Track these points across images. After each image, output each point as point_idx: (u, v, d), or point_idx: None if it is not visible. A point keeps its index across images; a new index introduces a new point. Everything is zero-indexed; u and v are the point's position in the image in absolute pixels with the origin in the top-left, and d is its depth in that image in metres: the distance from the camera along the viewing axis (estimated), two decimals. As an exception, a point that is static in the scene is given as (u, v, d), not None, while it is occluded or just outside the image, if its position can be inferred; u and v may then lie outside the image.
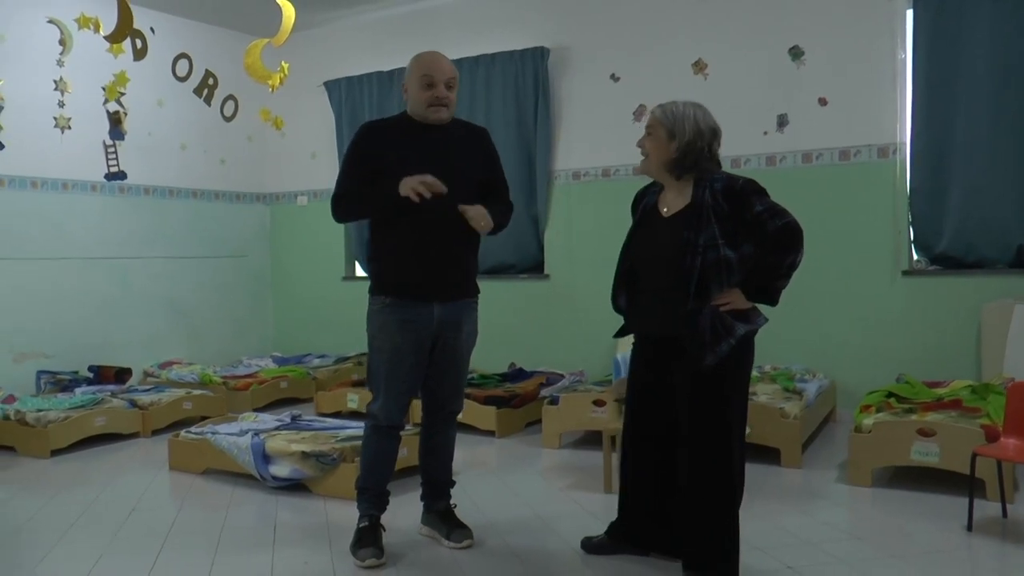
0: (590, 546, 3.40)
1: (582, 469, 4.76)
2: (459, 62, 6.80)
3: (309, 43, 7.63)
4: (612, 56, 6.45)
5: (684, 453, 3.04)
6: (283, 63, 5.40)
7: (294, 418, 5.13)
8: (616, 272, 3.26)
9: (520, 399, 5.75)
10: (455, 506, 3.67)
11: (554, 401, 5.31)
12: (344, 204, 3.45)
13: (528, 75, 6.65)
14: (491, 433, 5.55)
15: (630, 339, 3.33)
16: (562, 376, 6.27)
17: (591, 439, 5.31)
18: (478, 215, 3.32)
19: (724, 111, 6.10)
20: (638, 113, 6.31)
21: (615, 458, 4.03)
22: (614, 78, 6.43)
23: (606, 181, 6.42)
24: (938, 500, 4.01)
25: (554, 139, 6.68)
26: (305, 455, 4.32)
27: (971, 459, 3.62)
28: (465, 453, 4.86)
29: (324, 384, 6.79)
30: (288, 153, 8.10)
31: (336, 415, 6.01)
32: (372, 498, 3.47)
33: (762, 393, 4.98)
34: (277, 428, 4.88)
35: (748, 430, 3.23)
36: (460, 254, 3.42)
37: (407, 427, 3.74)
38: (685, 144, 3.03)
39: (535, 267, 6.88)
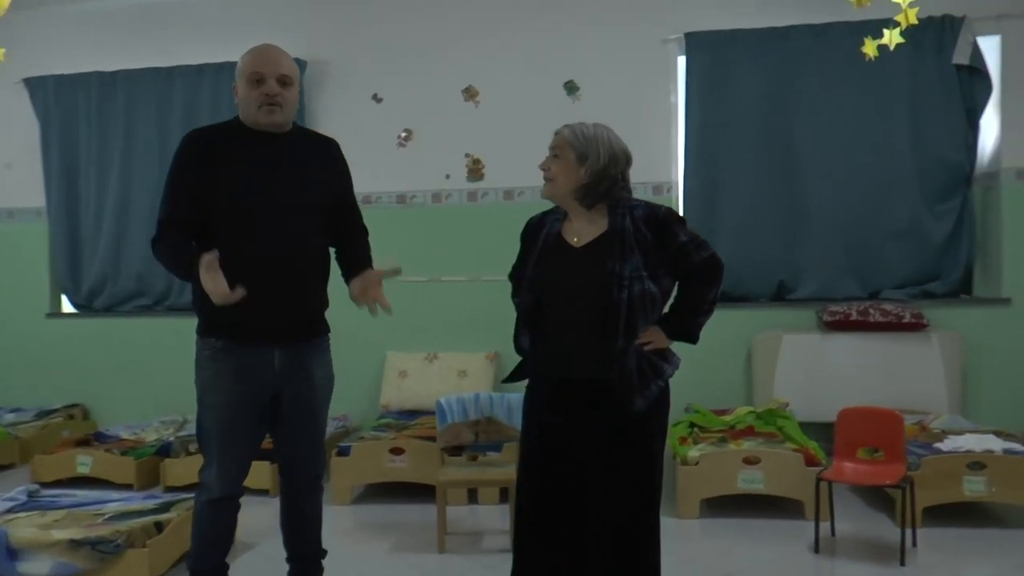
0: None
1: (398, 527, 4.30)
2: (199, 68, 6.03)
3: (4, 30, 6.28)
4: (375, 75, 6.04)
5: (603, 504, 2.76)
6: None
7: (31, 495, 4.07)
8: (519, 309, 2.93)
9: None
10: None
11: (344, 451, 4.77)
12: (159, 249, 2.86)
13: None
14: (264, 492, 4.81)
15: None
16: (325, 421, 5.70)
17: (384, 491, 4.84)
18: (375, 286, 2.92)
19: (497, 141, 6.16)
20: (403, 138, 5.98)
21: (508, 513, 3.65)
22: (377, 99, 6.03)
23: (368, 208, 5.96)
24: (768, 525, 4.16)
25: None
26: (75, 544, 3.40)
27: (816, 484, 3.78)
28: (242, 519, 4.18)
29: (33, 445, 5.52)
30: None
31: (58, 484, 4.90)
32: None
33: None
34: (11, 510, 3.84)
35: None
36: (304, 288, 2.91)
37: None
38: (600, 170, 2.77)
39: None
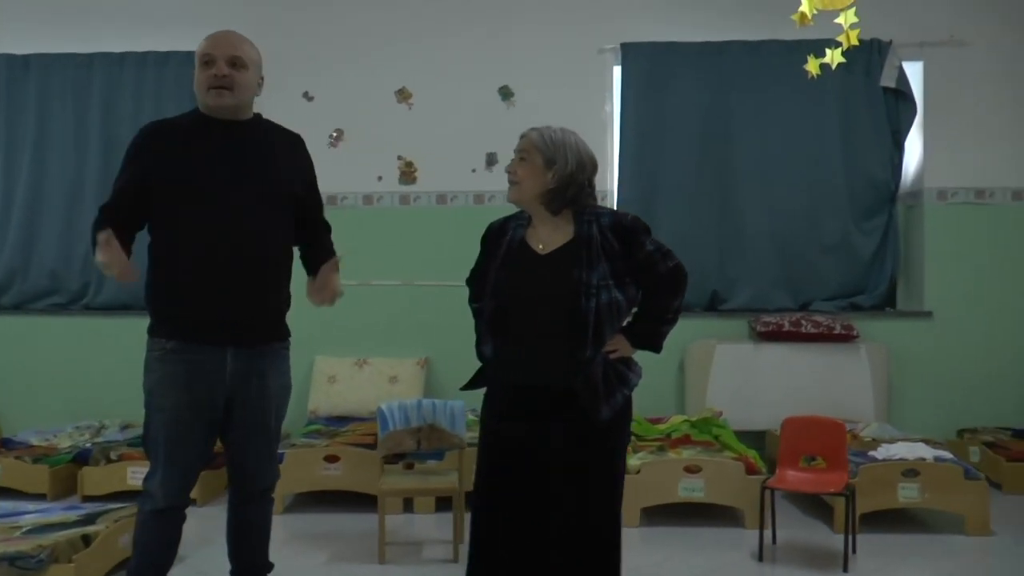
0: None
1: (334, 537, 4.16)
2: (120, 56, 5.75)
3: None
4: (307, 73, 5.85)
5: (567, 514, 2.71)
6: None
7: (-65, 506, 3.78)
8: (479, 316, 2.86)
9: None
10: None
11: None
12: (93, 230, 2.70)
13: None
14: (191, 501, 4.59)
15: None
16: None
17: (315, 499, 4.68)
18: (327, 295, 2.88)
19: (430, 145, 6.06)
20: (335, 138, 5.82)
21: (447, 522, 3.55)
22: (308, 97, 5.85)
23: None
24: (708, 533, 4.19)
25: (239, 157, 5.88)
26: (-8, 559, 3.16)
27: (761, 492, 3.82)
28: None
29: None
30: None
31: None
32: None
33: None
34: (-88, 523, 3.55)
35: None
36: (264, 284, 2.78)
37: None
38: (567, 175, 2.73)
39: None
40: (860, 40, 5.08)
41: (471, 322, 5.67)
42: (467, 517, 3.73)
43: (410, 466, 4.35)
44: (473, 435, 4.59)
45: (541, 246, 2.75)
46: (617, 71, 5.74)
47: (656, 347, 2.83)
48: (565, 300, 2.63)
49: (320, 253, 2.92)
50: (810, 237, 5.55)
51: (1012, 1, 5.48)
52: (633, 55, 5.63)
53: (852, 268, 5.59)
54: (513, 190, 2.78)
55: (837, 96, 5.46)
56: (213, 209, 2.64)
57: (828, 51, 4.14)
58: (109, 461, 4.67)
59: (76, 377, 5.69)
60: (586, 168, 2.77)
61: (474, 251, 6.10)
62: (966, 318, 5.44)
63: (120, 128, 5.66)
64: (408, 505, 4.55)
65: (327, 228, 3.01)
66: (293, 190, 2.84)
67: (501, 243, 2.84)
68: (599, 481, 2.70)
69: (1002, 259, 5.46)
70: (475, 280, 2.97)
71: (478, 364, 5.97)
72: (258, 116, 2.87)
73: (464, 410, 4.01)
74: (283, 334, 2.88)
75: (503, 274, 2.76)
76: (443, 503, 4.46)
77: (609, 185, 5.76)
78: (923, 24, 5.45)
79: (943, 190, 5.52)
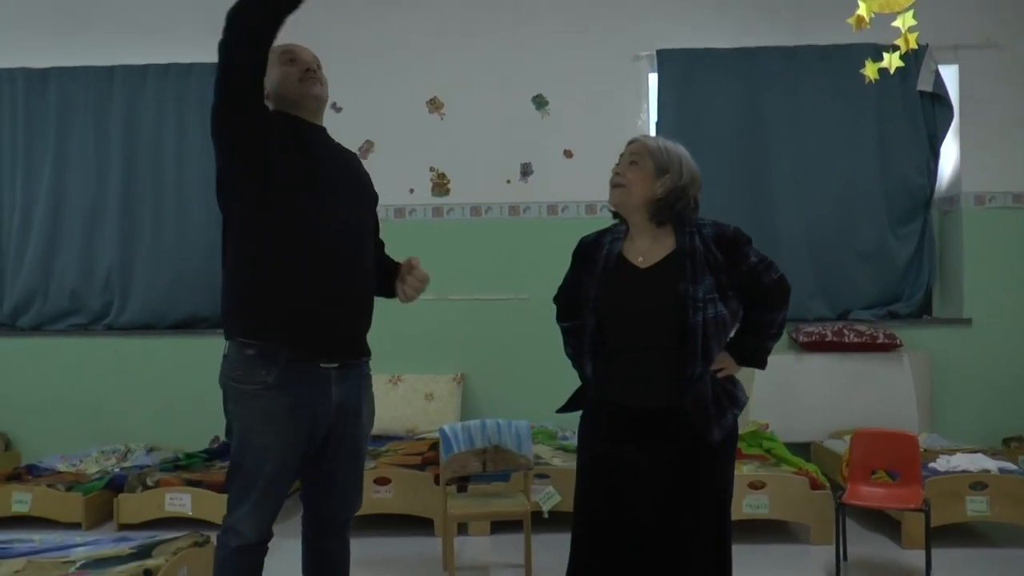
0: None
1: (394, 562, 4.03)
2: (143, 69, 5.59)
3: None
4: (335, 83, 5.53)
5: (670, 542, 2.60)
6: None
7: (-19, 540, 3.60)
8: (578, 332, 2.73)
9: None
10: None
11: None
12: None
13: (195, 96, 5.60)
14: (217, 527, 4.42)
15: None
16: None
17: (364, 523, 4.52)
18: (423, 283, 2.71)
19: (463, 155, 5.94)
20: (364, 150, 5.69)
21: (507, 544, 3.42)
22: (336, 108, 5.69)
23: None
24: (775, 551, 4.10)
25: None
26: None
27: (836, 509, 3.74)
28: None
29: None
30: None
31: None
32: None
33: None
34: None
35: None
36: (369, 292, 2.64)
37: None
38: (680, 187, 2.65)
39: (237, 320, 5.82)
40: (892, 45, 5.07)
41: (507, 337, 5.68)
42: (534, 539, 3.69)
43: (463, 488, 4.24)
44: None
45: (641, 259, 2.65)
46: (652, 78, 5.66)
47: (761, 363, 2.74)
48: (671, 315, 2.53)
49: (386, 262, 2.80)
50: (846, 244, 5.50)
51: (1049, 3, 5.48)
52: (669, 62, 5.56)
53: (888, 275, 5.54)
54: (618, 193, 2.68)
55: (872, 101, 5.42)
56: (323, 209, 2.48)
57: (886, 55, 4.08)
58: (146, 488, 4.49)
59: (98, 400, 5.56)
60: (696, 183, 2.70)
61: (510, 264, 6.06)
62: (1007, 325, 5.41)
63: (141, 142, 5.52)
64: (462, 527, 4.42)
65: (382, 244, 2.90)
66: (375, 197, 2.75)
67: (596, 258, 2.73)
68: (709, 504, 2.59)
69: (1042, 264, 5.44)
70: (566, 296, 2.86)
71: (515, 380, 5.87)
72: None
73: (529, 430, 3.90)
74: (369, 350, 2.76)
75: (603, 289, 2.64)
76: (497, 526, 4.36)
77: (644, 194, 5.68)
78: (958, 27, 5.43)
79: (981, 194, 5.48)
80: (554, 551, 3.99)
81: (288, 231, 2.44)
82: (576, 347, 2.76)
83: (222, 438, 5.44)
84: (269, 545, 2.70)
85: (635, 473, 2.58)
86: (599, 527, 2.66)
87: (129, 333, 5.59)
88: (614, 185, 2.71)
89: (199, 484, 4.49)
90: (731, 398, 2.63)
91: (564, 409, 2.80)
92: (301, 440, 2.52)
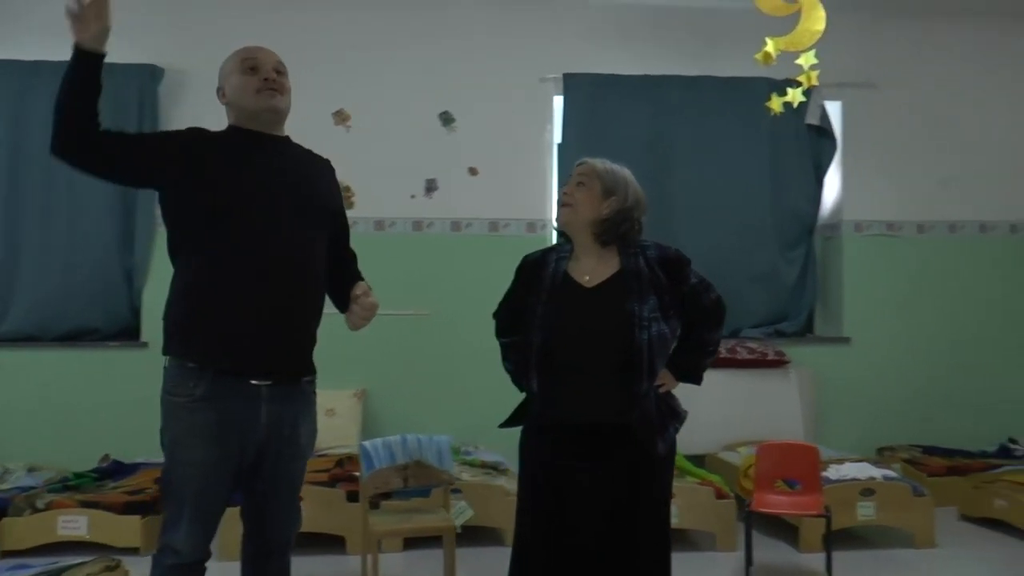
0: None
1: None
2: (35, 66, 5.30)
3: None
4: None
5: (623, 551, 2.68)
6: None
7: None
8: (518, 349, 2.78)
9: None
10: None
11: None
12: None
13: (132, 96, 5.43)
14: (134, 551, 4.22)
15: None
16: (179, 466, 5.11)
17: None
18: (370, 312, 2.63)
19: (368, 169, 5.89)
20: (264, 159, 5.57)
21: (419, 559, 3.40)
22: (238, 116, 5.59)
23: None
24: (684, 558, 4.16)
25: (164, 178, 5.51)
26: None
27: (745, 517, 3.92)
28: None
29: None
30: None
31: None
32: None
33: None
34: None
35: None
36: (308, 310, 2.60)
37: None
38: (625, 209, 2.76)
39: (126, 332, 5.56)
40: (785, 79, 5.38)
41: (409, 352, 5.66)
42: (459, 554, 3.70)
43: (375, 505, 4.20)
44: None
45: (587, 278, 2.73)
46: (558, 101, 5.80)
47: (698, 379, 2.86)
48: (617, 333, 2.62)
49: (349, 279, 2.77)
50: (740, 267, 5.77)
51: (922, 46, 5.95)
52: (575, 85, 5.72)
53: (777, 296, 5.87)
54: (565, 212, 2.76)
55: (766, 132, 5.73)
56: (259, 225, 2.45)
57: (790, 90, 4.34)
58: (36, 511, 4.23)
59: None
60: (640, 205, 2.80)
61: (413, 279, 6.02)
62: (882, 343, 5.82)
63: (29, 142, 5.22)
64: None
65: (353, 255, 2.87)
66: (333, 212, 2.71)
67: (542, 276, 2.79)
68: (652, 517, 2.69)
69: (911, 288, 5.87)
70: (507, 313, 2.90)
71: (417, 395, 5.84)
72: (288, 137, 2.72)
73: (450, 445, 3.91)
74: (314, 368, 2.71)
75: (550, 307, 2.70)
76: (410, 542, 4.34)
77: (548, 214, 5.80)
78: (841, 66, 5.79)
79: (859, 222, 5.90)
80: (468, 566, 4.04)
81: (216, 251, 2.41)
82: (518, 363, 2.80)
83: (112, 456, 5.18)
84: (207, 566, 2.63)
85: (581, 488, 2.65)
86: (544, 542, 2.71)
87: (10, 345, 5.26)
88: (562, 204, 2.78)
89: (96, 505, 4.26)
90: (673, 412, 2.75)
91: (506, 424, 2.83)
92: (230, 455, 2.47)
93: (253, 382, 2.46)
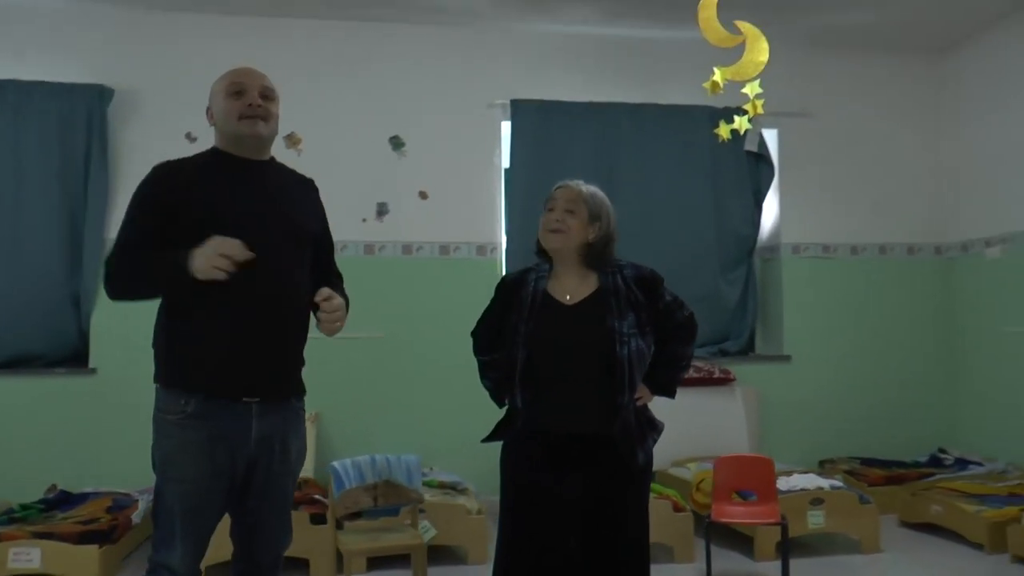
0: None
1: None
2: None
3: None
4: (190, 112, 5.33)
5: (607, 560, 2.76)
6: None
7: None
8: (500, 366, 2.87)
9: (120, 529, 4.43)
10: None
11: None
12: (117, 274, 2.52)
13: (80, 117, 5.35)
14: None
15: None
16: (129, 495, 5.00)
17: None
18: (335, 313, 2.61)
19: (321, 193, 5.81)
20: (214, 182, 5.54)
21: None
22: (190, 138, 5.47)
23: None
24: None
25: (111, 200, 5.39)
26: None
27: (706, 529, 4.05)
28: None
29: None
30: None
31: None
32: None
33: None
34: None
35: None
36: (291, 331, 2.63)
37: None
38: (607, 233, 2.91)
39: (73, 358, 5.43)
40: (724, 108, 5.61)
41: (362, 375, 5.66)
42: (431, 572, 3.73)
43: (339, 525, 4.20)
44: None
45: (568, 296, 2.84)
46: (506, 126, 5.92)
47: (672, 393, 2.99)
48: (598, 348, 2.73)
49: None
50: (684, 288, 5.78)
51: (853, 77, 6.27)
52: (522, 111, 5.86)
53: (719, 316, 6.07)
54: (558, 238, 2.86)
55: (708, 158, 5.96)
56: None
57: (737, 118, 4.54)
58: (-12, 536, 4.10)
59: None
60: (616, 227, 2.92)
61: (365, 302, 6.01)
62: (820, 361, 6.07)
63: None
64: (339, 566, 4.35)
65: (339, 276, 2.91)
66: (315, 235, 2.74)
67: (522, 295, 2.90)
68: (635, 526, 2.79)
69: (846, 308, 6.15)
70: (486, 332, 2.99)
71: (371, 418, 5.89)
72: (274, 159, 2.75)
73: (419, 464, 3.94)
74: (303, 388, 2.74)
75: (532, 325, 2.80)
76: (375, 562, 4.34)
77: (498, 237, 5.90)
78: (778, 95, 6.02)
79: (797, 244, 6.16)
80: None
81: (203, 282, 2.39)
82: (498, 380, 2.89)
83: (60, 486, 5.04)
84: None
85: (564, 499, 2.74)
86: (526, 551, 2.78)
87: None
88: (554, 231, 2.87)
89: (49, 536, 4.15)
90: (651, 424, 2.87)
91: (489, 439, 2.90)
92: (221, 473, 2.50)
93: (244, 399, 2.50)
